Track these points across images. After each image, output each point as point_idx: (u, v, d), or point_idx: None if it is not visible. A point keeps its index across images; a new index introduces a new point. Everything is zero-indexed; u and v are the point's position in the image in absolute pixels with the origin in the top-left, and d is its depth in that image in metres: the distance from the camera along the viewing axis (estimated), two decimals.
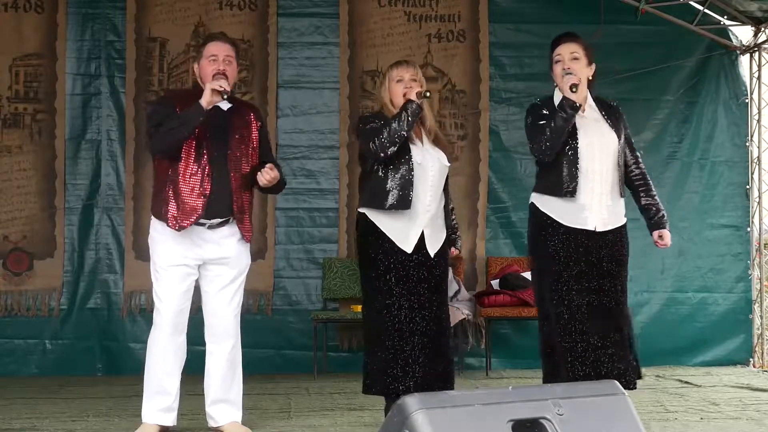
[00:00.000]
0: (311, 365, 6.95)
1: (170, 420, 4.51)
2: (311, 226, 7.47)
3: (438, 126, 6.96)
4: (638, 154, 4.68)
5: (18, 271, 7.27)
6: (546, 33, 7.23)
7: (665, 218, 4.67)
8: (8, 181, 7.29)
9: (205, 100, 4.29)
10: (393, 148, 4.42)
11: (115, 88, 7.37)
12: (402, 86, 4.55)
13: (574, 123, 4.43)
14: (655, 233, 4.66)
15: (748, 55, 7.62)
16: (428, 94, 4.52)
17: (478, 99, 7.53)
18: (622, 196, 4.55)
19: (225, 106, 4.48)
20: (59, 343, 7.25)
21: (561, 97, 4.40)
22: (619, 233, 4.54)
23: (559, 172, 4.42)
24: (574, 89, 4.34)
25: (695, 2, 7.40)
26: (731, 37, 7.62)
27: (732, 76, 7.64)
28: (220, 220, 4.44)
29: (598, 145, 4.45)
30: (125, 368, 7.02)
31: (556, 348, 4.43)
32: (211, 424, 4.58)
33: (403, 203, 4.46)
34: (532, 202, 4.55)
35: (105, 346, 7.26)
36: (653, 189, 4.69)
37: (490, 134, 7.52)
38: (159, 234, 4.47)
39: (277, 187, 4.65)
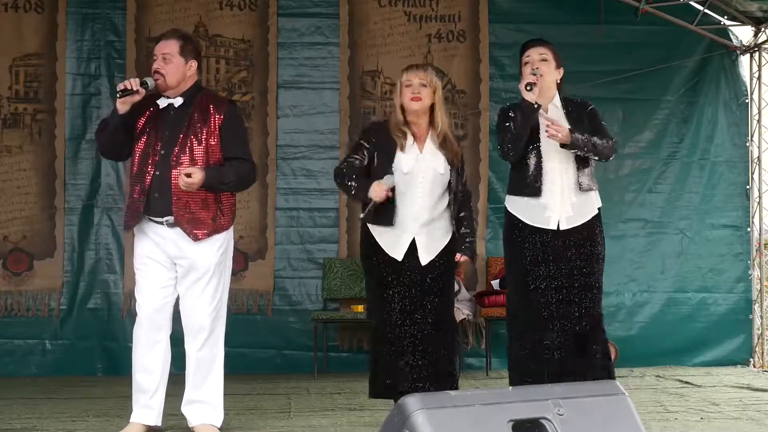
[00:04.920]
0: (311, 365, 6.95)
1: (152, 419, 4.46)
2: (311, 226, 7.47)
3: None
4: (610, 135, 4.58)
5: (18, 271, 7.27)
6: (546, 33, 7.20)
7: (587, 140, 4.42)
8: (8, 181, 7.29)
9: (118, 102, 4.34)
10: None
11: (115, 88, 7.35)
12: (410, 91, 4.59)
13: (537, 124, 4.46)
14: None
15: (748, 55, 7.61)
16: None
17: (478, 99, 7.54)
18: (584, 189, 4.48)
19: (177, 102, 4.45)
20: (59, 344, 7.25)
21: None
22: (590, 229, 4.51)
23: (524, 174, 4.50)
24: (528, 88, 4.40)
25: (695, 2, 7.39)
26: (731, 37, 7.62)
27: (732, 76, 7.64)
28: (172, 218, 4.40)
29: (557, 145, 4.46)
30: (125, 368, 6.89)
31: (519, 343, 4.48)
32: (188, 424, 4.55)
33: (388, 219, 4.55)
34: (505, 204, 4.63)
35: (105, 346, 7.25)
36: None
37: (490, 134, 7.52)
38: (135, 233, 4.55)
39: (226, 185, 4.44)
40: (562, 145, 4.42)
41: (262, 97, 7.46)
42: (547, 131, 4.38)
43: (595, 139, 4.47)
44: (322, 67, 7.52)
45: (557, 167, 4.47)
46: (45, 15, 7.35)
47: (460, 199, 4.69)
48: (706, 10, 7.37)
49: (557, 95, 4.60)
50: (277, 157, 7.44)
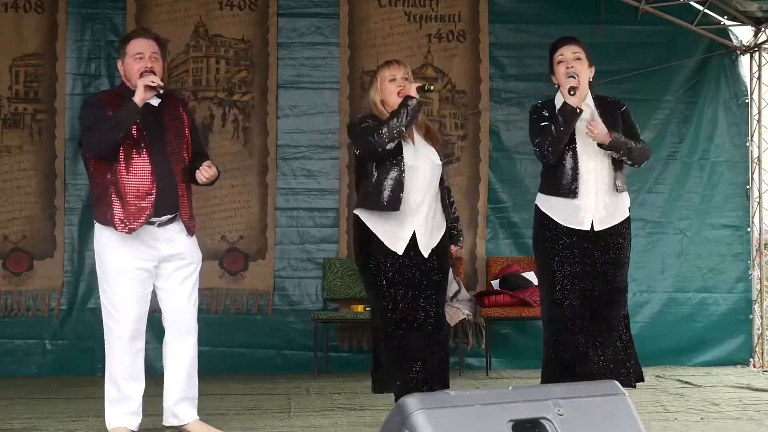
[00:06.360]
0: (311, 365, 6.95)
1: (136, 424, 4.48)
2: (311, 226, 7.47)
3: (438, 126, 6.98)
4: (642, 139, 4.65)
5: (18, 271, 7.27)
6: (546, 33, 7.23)
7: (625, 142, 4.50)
8: (8, 181, 7.29)
9: (139, 98, 4.25)
10: (392, 144, 4.44)
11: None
12: (395, 85, 4.61)
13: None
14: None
15: (748, 55, 7.61)
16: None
17: (478, 99, 7.53)
18: (619, 191, 4.56)
19: (155, 102, 4.44)
20: (59, 343, 7.25)
21: (562, 101, 4.44)
22: (619, 232, 4.55)
23: (560, 174, 4.51)
24: (572, 92, 4.41)
25: (695, 2, 7.39)
26: (731, 37, 7.62)
27: (732, 76, 7.64)
28: (169, 216, 4.39)
29: (593, 145, 4.49)
30: None
31: (550, 345, 4.53)
32: (173, 422, 4.51)
33: (393, 205, 4.48)
34: (536, 203, 4.64)
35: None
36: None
37: (490, 134, 7.52)
38: (107, 239, 4.38)
39: (216, 180, 4.60)
40: (600, 146, 4.44)
41: (262, 97, 7.46)
42: (588, 128, 4.38)
43: (630, 142, 4.51)
44: (322, 67, 7.52)
45: (592, 168, 4.50)
46: (45, 15, 7.34)
47: (446, 186, 4.77)
48: (706, 10, 7.37)
49: (589, 94, 4.61)
50: (277, 157, 7.43)
